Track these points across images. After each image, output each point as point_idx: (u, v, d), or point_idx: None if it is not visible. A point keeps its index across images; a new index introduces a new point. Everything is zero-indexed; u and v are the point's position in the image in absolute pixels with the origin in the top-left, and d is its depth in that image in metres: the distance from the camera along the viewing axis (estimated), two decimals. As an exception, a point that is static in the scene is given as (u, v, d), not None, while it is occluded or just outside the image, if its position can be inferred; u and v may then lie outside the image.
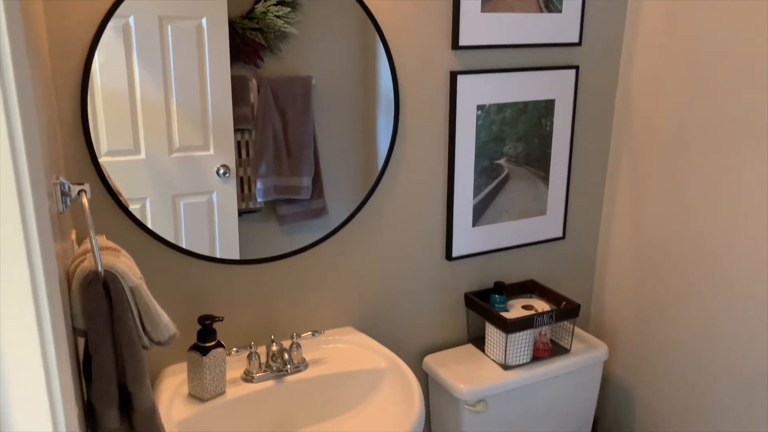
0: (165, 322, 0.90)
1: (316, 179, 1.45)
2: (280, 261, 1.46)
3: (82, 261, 0.84)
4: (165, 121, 1.27)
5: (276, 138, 1.40)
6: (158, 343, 0.91)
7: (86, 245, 0.88)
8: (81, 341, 0.89)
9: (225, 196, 1.36)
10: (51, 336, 0.53)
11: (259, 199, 1.40)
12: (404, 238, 1.60)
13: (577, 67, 1.69)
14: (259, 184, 1.39)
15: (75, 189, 0.83)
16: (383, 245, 1.58)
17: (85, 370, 0.87)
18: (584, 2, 1.63)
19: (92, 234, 0.81)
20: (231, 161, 1.35)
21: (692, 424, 1.70)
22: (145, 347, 0.89)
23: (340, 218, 1.49)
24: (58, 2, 1.13)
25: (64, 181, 0.82)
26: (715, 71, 1.52)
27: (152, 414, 0.89)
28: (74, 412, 0.64)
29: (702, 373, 1.66)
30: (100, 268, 0.81)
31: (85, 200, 0.82)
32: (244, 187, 1.38)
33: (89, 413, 0.87)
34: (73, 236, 1.13)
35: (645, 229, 1.77)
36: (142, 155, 1.27)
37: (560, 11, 1.61)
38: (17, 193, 0.43)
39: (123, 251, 0.90)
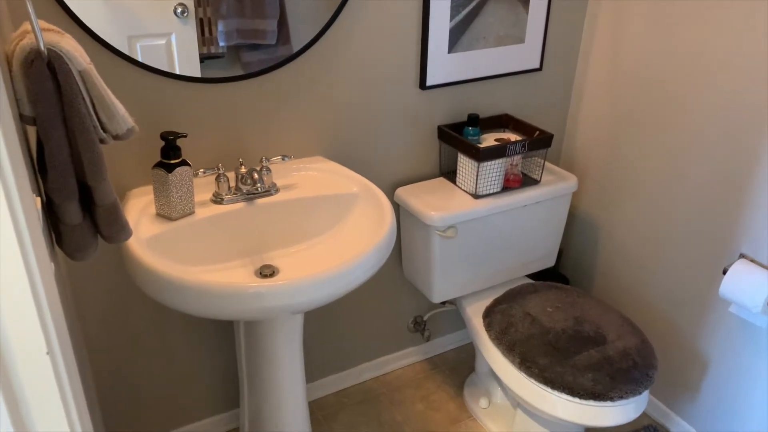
0: (122, 113, 0.84)
1: (282, 23, 1.35)
2: (244, 81, 1.38)
3: (21, 40, 0.76)
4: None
5: (236, -26, 1.27)
6: (116, 137, 0.86)
7: (25, 26, 0.79)
8: (32, 132, 0.84)
9: (184, 39, 1.28)
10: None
11: (222, 43, 1.31)
12: (376, 63, 1.53)
13: None
14: (220, 26, 1.30)
15: (3, -47, 0.72)
16: (353, 71, 1.51)
17: (39, 163, 0.82)
18: None
19: (30, 6, 0.72)
20: (188, -1, 1.24)
21: (652, 255, 1.77)
22: (102, 140, 0.83)
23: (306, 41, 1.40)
24: None
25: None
26: None
27: (115, 208, 0.86)
28: (25, 175, 0.60)
29: (666, 206, 1.70)
30: (42, 46, 0.74)
31: (15, -35, 0.72)
32: (204, 29, 1.29)
33: (49, 208, 0.84)
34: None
35: (624, 59, 1.72)
36: None
37: None
38: None
39: (68, 35, 0.82)
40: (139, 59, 1.25)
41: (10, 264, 0.50)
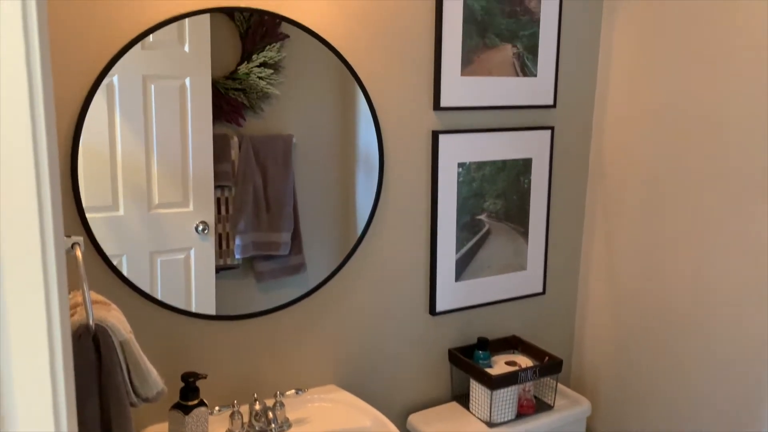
0: (154, 377, 0.89)
1: (296, 235, 1.46)
2: (260, 318, 1.45)
3: (72, 315, 0.83)
4: (145, 178, 1.27)
5: (256, 194, 1.40)
6: (146, 400, 0.89)
7: (76, 299, 0.87)
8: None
9: (203, 253, 1.35)
10: (62, 379, 0.53)
11: (238, 256, 1.39)
12: (388, 293, 1.61)
13: (552, 128, 1.76)
14: (237, 241, 1.39)
15: (68, 242, 0.83)
16: (366, 301, 1.58)
17: (68, 428, 0.84)
18: (557, 68, 1.72)
19: (86, 288, 0.80)
20: (210, 218, 1.35)
21: (677, 480, 1.69)
22: (132, 404, 0.87)
23: (321, 275, 1.49)
24: (54, 59, 1.16)
25: (58, 233, 0.82)
26: (679, 132, 1.60)
27: (137, 474, 0.86)
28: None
29: (682, 428, 1.66)
30: (91, 322, 0.81)
31: (78, 253, 0.82)
32: (222, 243, 1.37)
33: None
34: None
35: (621, 285, 1.81)
36: (121, 212, 1.26)
37: (535, 76, 1.69)
38: (41, 249, 0.45)
39: (113, 305, 0.89)
40: (158, 274, 1.30)
41: None
